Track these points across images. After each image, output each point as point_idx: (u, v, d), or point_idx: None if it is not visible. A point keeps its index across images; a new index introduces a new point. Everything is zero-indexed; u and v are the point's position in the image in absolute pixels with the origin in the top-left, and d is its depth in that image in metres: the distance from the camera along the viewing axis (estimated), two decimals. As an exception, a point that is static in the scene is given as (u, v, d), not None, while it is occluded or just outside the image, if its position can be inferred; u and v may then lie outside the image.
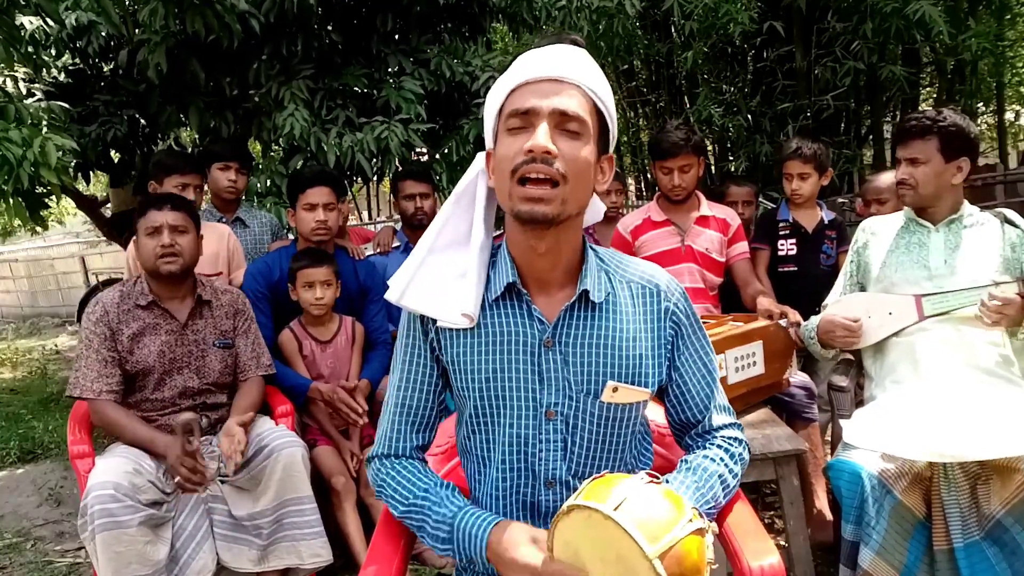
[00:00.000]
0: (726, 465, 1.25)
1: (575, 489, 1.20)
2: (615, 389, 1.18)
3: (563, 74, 1.09)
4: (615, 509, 0.96)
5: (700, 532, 1.00)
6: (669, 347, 1.24)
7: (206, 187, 3.13)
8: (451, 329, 1.20)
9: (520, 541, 1.09)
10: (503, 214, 1.18)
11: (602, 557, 0.98)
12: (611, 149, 1.20)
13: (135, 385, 2.17)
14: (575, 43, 1.14)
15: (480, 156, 1.22)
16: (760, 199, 3.65)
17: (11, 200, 2.75)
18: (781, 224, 2.94)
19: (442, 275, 1.20)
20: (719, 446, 1.27)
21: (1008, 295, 1.88)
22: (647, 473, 1.06)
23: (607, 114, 1.15)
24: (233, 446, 2.04)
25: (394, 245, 3.22)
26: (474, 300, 1.16)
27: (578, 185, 1.10)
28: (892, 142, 2.09)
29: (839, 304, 2.19)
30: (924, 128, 1.99)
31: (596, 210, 1.28)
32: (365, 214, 9.11)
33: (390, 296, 1.21)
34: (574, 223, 1.16)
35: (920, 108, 4.95)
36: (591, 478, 1.06)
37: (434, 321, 1.21)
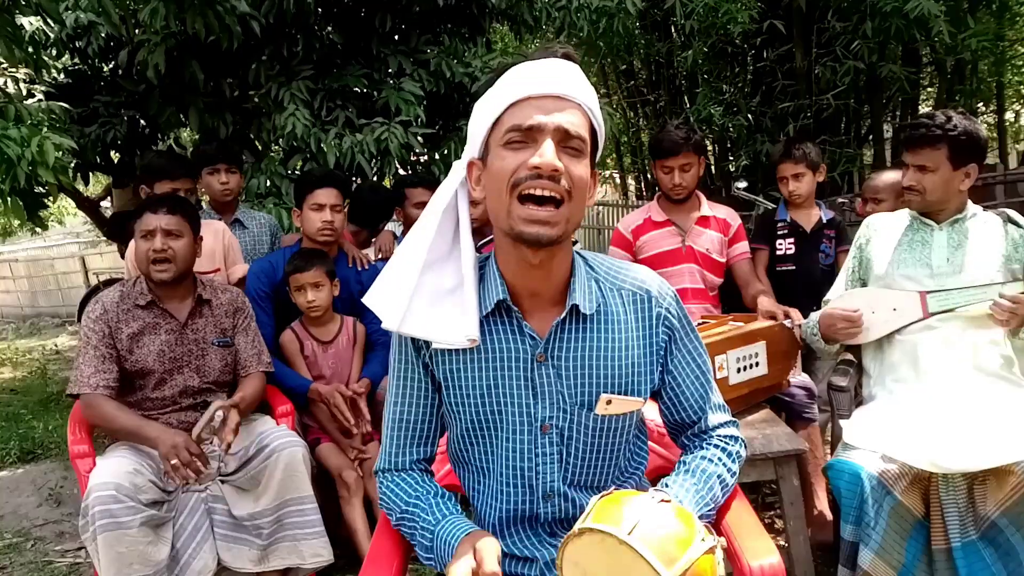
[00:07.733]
0: (724, 464, 1.26)
1: (572, 499, 1.20)
2: (609, 402, 1.18)
3: (565, 92, 1.09)
4: (629, 533, 0.95)
5: (712, 550, 1.00)
6: (662, 352, 1.24)
7: (201, 191, 3.12)
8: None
9: (464, 551, 1.08)
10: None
11: None
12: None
13: (136, 384, 2.17)
14: (568, 57, 1.14)
15: (458, 165, 1.19)
16: (754, 197, 3.65)
17: (8, 199, 2.74)
18: (779, 224, 2.95)
19: (437, 295, 1.18)
20: (716, 445, 1.28)
21: (1020, 295, 1.87)
22: (655, 491, 1.05)
23: (599, 132, 1.16)
24: (223, 434, 2.03)
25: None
26: (475, 322, 1.15)
27: (579, 203, 1.11)
28: (901, 143, 2.05)
29: (842, 299, 2.19)
30: (934, 136, 1.96)
31: None
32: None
33: (388, 325, 1.16)
34: (568, 239, 1.16)
35: (923, 110, 4.94)
36: (599, 495, 1.05)
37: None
